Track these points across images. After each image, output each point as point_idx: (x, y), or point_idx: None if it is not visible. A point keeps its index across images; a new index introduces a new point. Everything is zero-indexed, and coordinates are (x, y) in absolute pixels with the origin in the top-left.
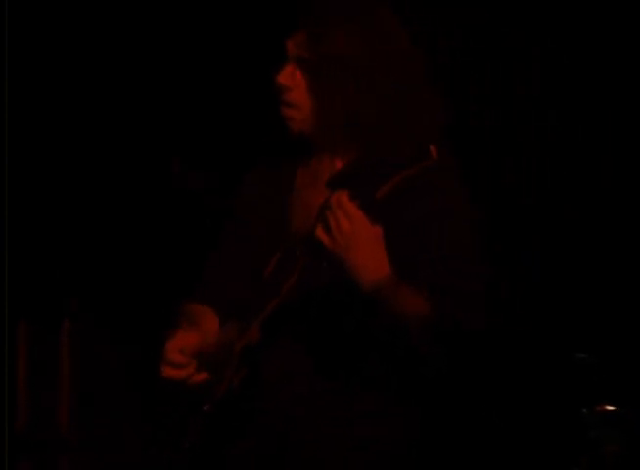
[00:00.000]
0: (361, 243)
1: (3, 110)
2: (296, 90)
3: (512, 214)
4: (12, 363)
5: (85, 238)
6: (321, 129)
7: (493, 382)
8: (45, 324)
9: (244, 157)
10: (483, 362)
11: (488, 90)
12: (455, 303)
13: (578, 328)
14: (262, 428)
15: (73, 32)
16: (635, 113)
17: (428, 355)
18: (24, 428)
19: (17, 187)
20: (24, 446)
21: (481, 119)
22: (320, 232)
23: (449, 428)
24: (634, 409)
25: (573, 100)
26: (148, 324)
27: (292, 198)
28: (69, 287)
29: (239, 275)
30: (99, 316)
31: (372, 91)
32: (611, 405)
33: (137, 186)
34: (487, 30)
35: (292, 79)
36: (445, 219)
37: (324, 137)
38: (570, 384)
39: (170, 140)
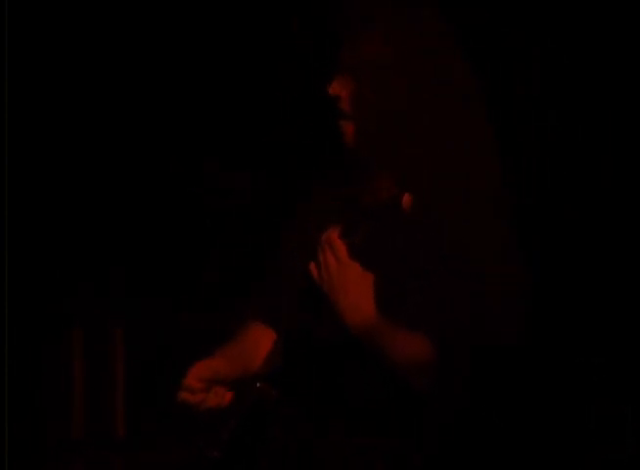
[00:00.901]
0: (347, 283)
1: (3, 110)
2: (346, 100)
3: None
4: (66, 368)
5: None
6: (364, 143)
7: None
8: (99, 330)
9: (275, 157)
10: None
11: (488, 90)
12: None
13: (578, 328)
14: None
15: (74, 33)
16: (635, 113)
17: (430, 395)
18: (81, 431)
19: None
20: (80, 449)
21: None
22: (312, 266)
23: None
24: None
25: (573, 100)
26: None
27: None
28: (120, 293)
29: (296, 295)
30: (151, 322)
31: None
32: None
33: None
34: (487, 30)
35: (341, 89)
36: (464, 253)
37: (368, 153)
38: (570, 384)
39: (170, 141)
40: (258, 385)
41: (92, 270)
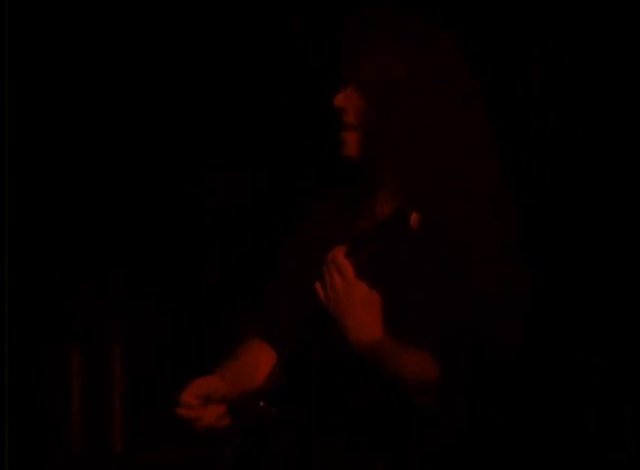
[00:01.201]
0: (353, 303)
1: (3, 110)
2: (351, 112)
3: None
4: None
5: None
6: (368, 156)
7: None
8: (96, 347)
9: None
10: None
11: (488, 90)
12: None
13: (578, 328)
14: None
15: (74, 33)
16: (635, 113)
17: (432, 411)
18: (79, 446)
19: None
20: (78, 463)
21: None
22: (318, 286)
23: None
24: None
25: (573, 100)
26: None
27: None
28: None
29: (297, 313)
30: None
31: (423, 117)
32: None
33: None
34: (487, 30)
35: (347, 101)
36: (464, 254)
37: (371, 167)
38: (570, 384)
39: (170, 141)
40: (261, 404)
41: (92, 270)
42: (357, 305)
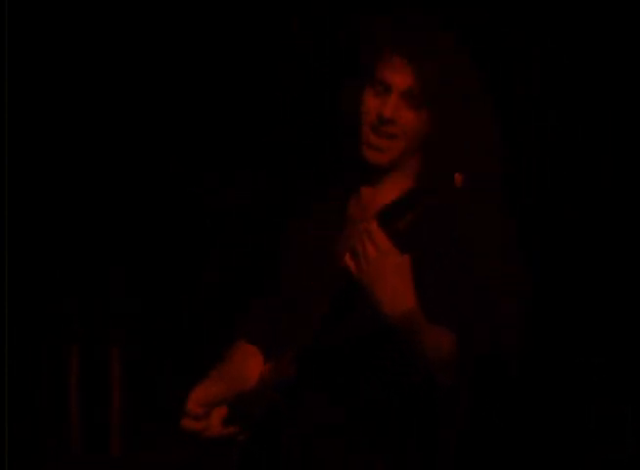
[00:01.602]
0: (387, 272)
1: (3, 110)
2: (399, 122)
3: (511, 215)
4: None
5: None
6: (404, 162)
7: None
8: (95, 351)
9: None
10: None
11: (488, 90)
12: (487, 326)
13: (578, 328)
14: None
15: (74, 34)
16: (635, 113)
17: (448, 389)
18: (78, 448)
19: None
20: (78, 464)
21: None
22: (348, 259)
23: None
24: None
25: (573, 100)
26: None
27: (345, 232)
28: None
29: (285, 312)
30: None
31: (466, 122)
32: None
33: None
34: (487, 30)
35: (396, 112)
36: (469, 247)
37: (399, 166)
38: (570, 384)
39: (170, 141)
40: (269, 395)
41: (92, 270)
42: (391, 275)
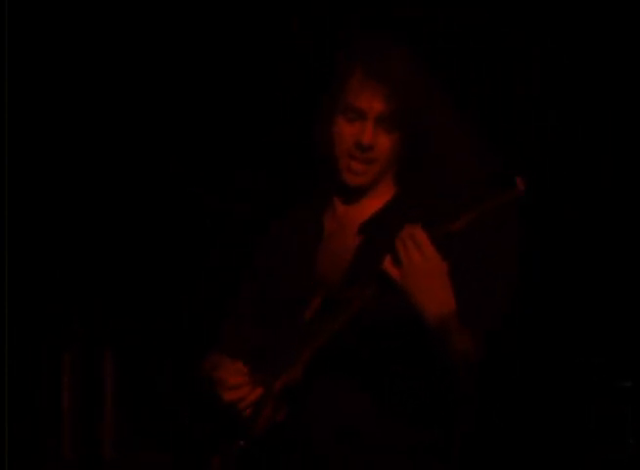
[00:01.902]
0: (431, 276)
1: (3, 110)
2: (377, 148)
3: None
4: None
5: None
6: (379, 179)
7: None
8: (88, 353)
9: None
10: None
11: (488, 90)
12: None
13: (578, 328)
14: (302, 459)
15: (74, 33)
16: (635, 113)
17: (467, 391)
18: (70, 453)
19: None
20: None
21: (481, 119)
22: (389, 264)
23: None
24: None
25: (573, 100)
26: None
27: (321, 245)
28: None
29: (262, 322)
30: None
31: (439, 137)
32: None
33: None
34: (487, 30)
35: (375, 138)
36: (503, 255)
37: (375, 185)
38: (570, 384)
39: (170, 141)
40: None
41: (91, 271)
42: (436, 278)
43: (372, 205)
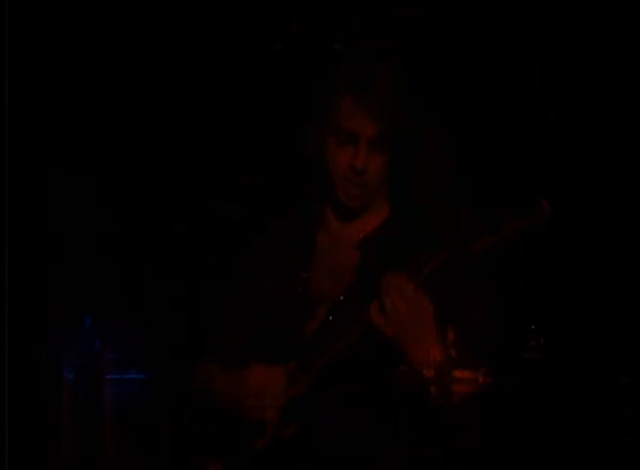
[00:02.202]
0: (418, 324)
1: (3, 110)
2: (369, 170)
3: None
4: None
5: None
6: (373, 197)
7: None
8: (88, 353)
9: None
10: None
11: (488, 90)
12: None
13: (578, 328)
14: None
15: (74, 33)
16: (635, 113)
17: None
18: (70, 453)
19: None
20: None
21: (481, 119)
22: (375, 312)
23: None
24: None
25: (573, 100)
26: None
27: (314, 259)
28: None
29: (249, 332)
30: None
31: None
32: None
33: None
34: (487, 30)
35: (367, 161)
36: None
37: (370, 202)
38: (570, 384)
39: (170, 141)
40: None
41: (91, 270)
42: (421, 327)
43: (368, 221)
